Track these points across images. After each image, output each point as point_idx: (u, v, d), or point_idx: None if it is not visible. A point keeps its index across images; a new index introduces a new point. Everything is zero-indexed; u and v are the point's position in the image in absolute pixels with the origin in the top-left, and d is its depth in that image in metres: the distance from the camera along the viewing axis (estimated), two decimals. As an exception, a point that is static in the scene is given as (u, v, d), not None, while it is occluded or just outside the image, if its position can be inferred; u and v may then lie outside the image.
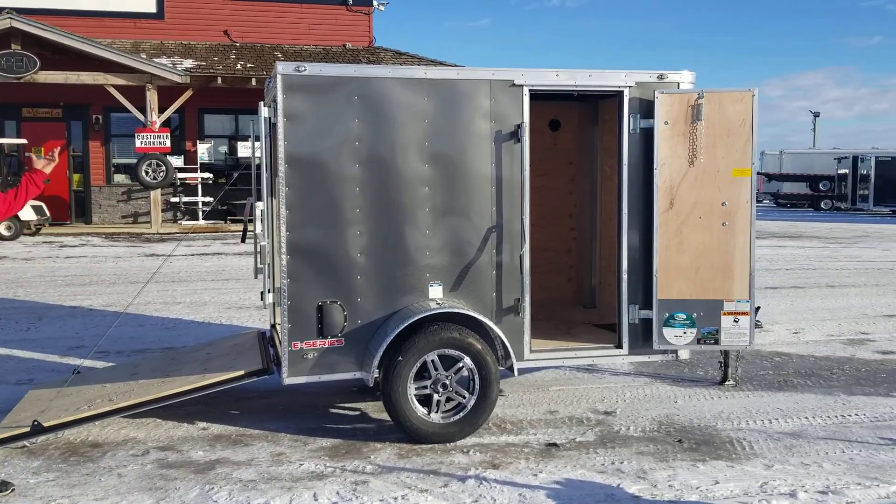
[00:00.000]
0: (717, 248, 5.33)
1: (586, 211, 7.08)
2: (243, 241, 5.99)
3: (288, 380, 4.89)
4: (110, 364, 6.82)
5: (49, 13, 18.70)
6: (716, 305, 5.35)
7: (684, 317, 5.37)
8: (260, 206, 5.07)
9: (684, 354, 5.57)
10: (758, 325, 5.82)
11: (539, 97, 5.52)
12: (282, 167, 4.80)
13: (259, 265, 5.17)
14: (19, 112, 18.96)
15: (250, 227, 5.43)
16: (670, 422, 5.41)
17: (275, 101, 4.79)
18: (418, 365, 4.88)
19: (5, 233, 15.64)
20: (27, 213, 15.88)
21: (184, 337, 7.96)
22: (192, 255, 14.48)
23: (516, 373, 5.23)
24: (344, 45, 21.52)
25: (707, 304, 5.35)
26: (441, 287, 5.10)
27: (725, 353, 6.31)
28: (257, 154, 5.10)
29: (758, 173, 40.33)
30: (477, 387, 4.97)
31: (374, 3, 22.30)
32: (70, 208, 19.44)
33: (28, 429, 4.68)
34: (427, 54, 21.69)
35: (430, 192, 5.04)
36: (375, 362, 4.82)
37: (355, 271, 4.94)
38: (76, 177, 19.50)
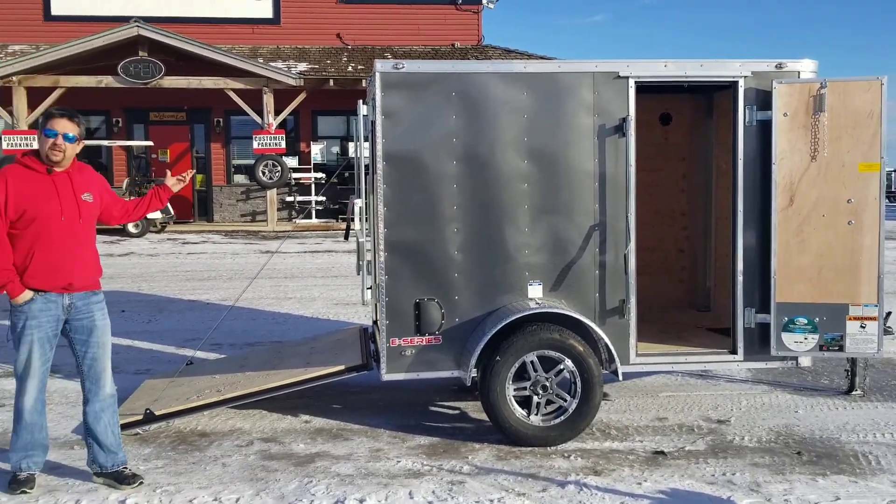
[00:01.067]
0: (841, 249, 4.95)
1: (700, 209, 6.75)
2: (346, 238, 6.06)
3: (386, 376, 4.89)
4: (222, 356, 7.06)
5: (173, 21, 19.68)
6: (840, 310, 4.97)
7: (805, 321, 5.01)
8: (359, 203, 5.10)
9: (805, 361, 5.22)
10: (888, 331, 5.38)
11: (648, 90, 5.29)
12: (380, 164, 4.80)
13: (359, 262, 5.20)
14: (147, 116, 20.06)
15: (353, 225, 5.48)
16: (789, 432, 5.07)
17: (374, 98, 4.80)
18: (517, 365, 4.77)
19: (133, 230, 16.58)
20: (153, 212, 16.77)
21: (293, 331, 8.15)
22: (305, 252, 14.89)
23: (621, 377, 5.03)
24: (452, 45, 21.60)
25: (830, 308, 4.98)
26: (541, 286, 4.97)
27: (852, 361, 5.86)
28: (359, 153, 5.13)
29: (896, 171, 37.08)
30: (578, 390, 4.81)
31: (483, 1, 22.27)
32: (193, 207, 20.40)
33: (141, 416, 4.88)
34: (538, 52, 21.45)
35: (530, 189, 4.91)
36: (473, 361, 4.74)
37: (453, 269, 4.88)
38: (199, 177, 20.43)
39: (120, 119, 20.03)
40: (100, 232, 17.81)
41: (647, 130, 6.66)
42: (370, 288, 5.12)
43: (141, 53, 17.38)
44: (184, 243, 16.01)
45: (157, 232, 17.34)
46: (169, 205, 17.85)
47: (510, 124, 4.87)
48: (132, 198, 4.20)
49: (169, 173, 4.73)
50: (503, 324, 4.73)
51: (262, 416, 5.37)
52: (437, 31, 21.71)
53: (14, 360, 4.08)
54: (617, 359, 4.94)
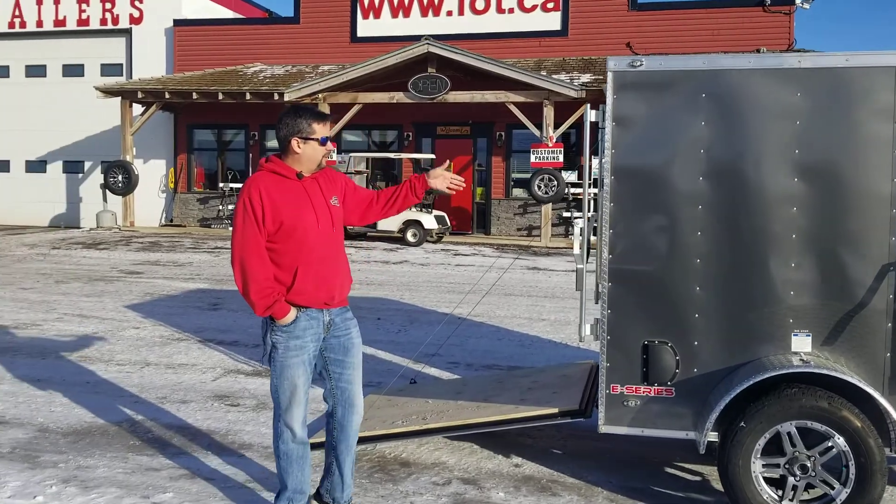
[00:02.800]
0: None
1: None
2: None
3: (604, 428, 4.17)
4: (454, 376, 6.77)
5: (464, 37, 20.27)
6: None
7: None
8: (580, 223, 4.43)
9: None
10: None
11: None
12: (607, 179, 4.11)
13: (579, 291, 4.51)
14: (434, 130, 20.89)
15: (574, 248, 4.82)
16: None
17: (605, 102, 4.12)
18: (768, 436, 3.79)
19: (411, 239, 17.24)
20: (430, 222, 17.29)
21: (536, 356, 7.65)
22: (572, 271, 14.32)
23: (916, 465, 3.81)
24: (757, 50, 19.64)
25: None
26: (809, 338, 3.92)
27: None
28: (588, 166, 4.47)
29: None
30: (851, 477, 3.70)
31: (797, 1, 20.02)
32: (472, 219, 20.83)
33: (344, 438, 4.67)
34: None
35: (799, 214, 3.90)
36: (709, 424, 3.85)
37: (692, 307, 4.03)
38: (479, 190, 20.83)
39: (410, 133, 21.10)
40: (380, 239, 18.65)
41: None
42: (595, 322, 4.43)
43: (430, 70, 18.08)
44: (455, 254, 16.29)
45: (434, 242, 17.87)
46: (446, 216, 18.35)
47: (777, 133, 3.91)
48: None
49: (433, 167, 4.12)
50: (753, 381, 3.78)
51: (472, 452, 4.92)
52: (739, 36, 19.92)
53: (275, 389, 3.63)
54: (913, 442, 3.74)
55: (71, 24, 22.73)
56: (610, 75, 4.08)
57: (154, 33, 22.39)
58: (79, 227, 22.15)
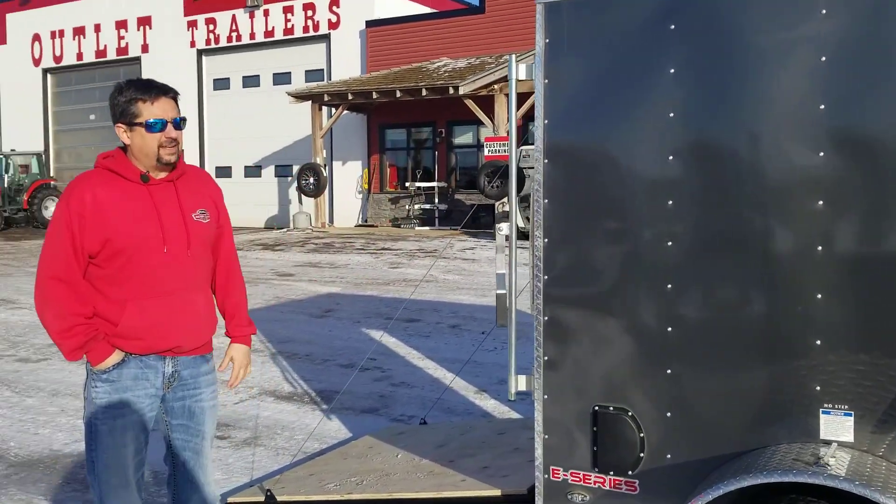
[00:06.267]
0: None
1: None
2: None
3: (543, 528, 2.86)
4: (515, 415, 5.59)
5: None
6: None
7: None
8: (504, 230, 3.09)
9: None
10: None
11: None
12: (539, 164, 2.79)
13: (508, 327, 3.16)
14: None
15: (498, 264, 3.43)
16: None
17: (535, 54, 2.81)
18: (758, 581, 2.30)
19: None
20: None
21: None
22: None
23: None
24: None
25: None
26: (850, 418, 2.34)
27: None
28: (513, 148, 3.14)
29: None
30: None
31: None
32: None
33: (262, 499, 3.76)
34: None
35: (831, 211, 2.34)
36: (662, 551, 2.43)
37: (664, 358, 2.60)
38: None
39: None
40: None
41: None
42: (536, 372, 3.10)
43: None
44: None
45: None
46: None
47: (789, 79, 2.38)
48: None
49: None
50: (735, 486, 2.30)
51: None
52: None
53: (90, 464, 2.69)
54: None
55: (278, 35, 23.90)
56: (539, 9, 2.76)
57: (349, 36, 22.84)
58: (283, 228, 23.26)
